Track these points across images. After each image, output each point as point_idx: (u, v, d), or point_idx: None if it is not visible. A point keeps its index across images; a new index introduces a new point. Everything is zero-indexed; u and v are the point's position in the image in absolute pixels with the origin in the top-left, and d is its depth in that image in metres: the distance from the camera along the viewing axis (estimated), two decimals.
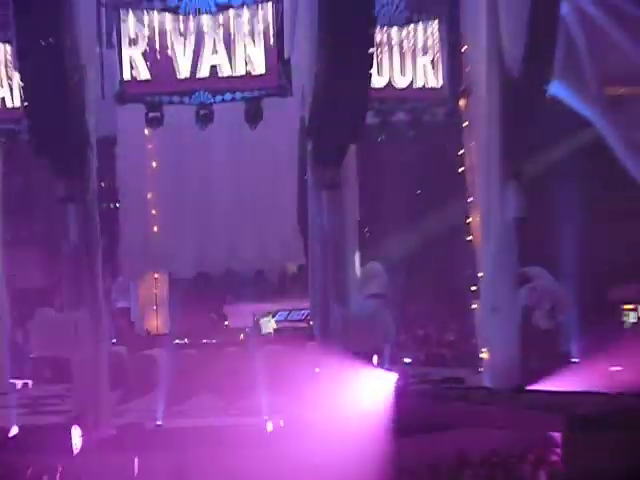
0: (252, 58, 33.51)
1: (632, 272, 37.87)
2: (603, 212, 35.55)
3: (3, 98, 34.12)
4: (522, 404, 30.78)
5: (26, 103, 31.81)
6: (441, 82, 34.93)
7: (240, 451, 28.14)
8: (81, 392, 31.82)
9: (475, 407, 31.52)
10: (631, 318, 39.75)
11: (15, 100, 33.44)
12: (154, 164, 36.38)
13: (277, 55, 33.25)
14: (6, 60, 33.96)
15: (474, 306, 35.20)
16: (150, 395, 31.95)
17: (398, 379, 33.69)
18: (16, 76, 32.71)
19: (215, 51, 33.63)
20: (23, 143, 33.80)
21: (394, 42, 34.52)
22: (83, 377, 31.82)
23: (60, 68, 30.86)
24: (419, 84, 34.52)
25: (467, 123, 35.12)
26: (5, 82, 34.14)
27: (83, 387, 31.80)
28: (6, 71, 33.96)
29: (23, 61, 31.45)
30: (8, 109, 33.82)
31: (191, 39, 33.53)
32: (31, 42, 31.04)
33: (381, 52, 33.98)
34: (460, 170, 35.20)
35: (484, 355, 34.30)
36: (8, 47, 33.47)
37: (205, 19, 33.38)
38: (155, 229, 35.68)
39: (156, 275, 37.89)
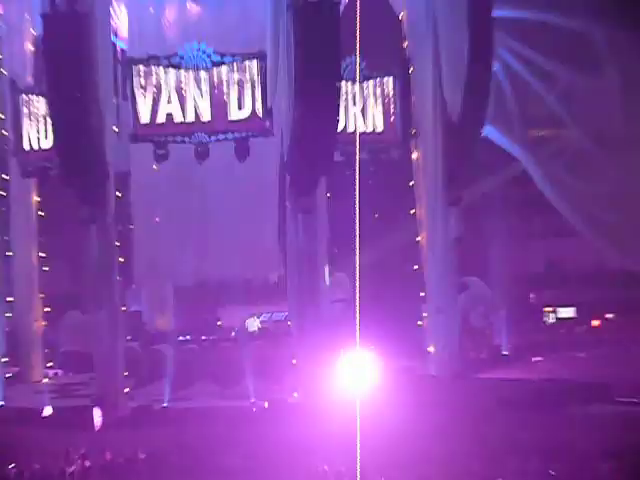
0: (240, 105, 33.98)
1: (549, 281, 38.68)
2: (526, 233, 36.24)
3: (38, 139, 34.26)
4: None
5: (57, 144, 32.59)
6: (397, 130, 35.35)
7: (232, 427, 28.43)
8: (101, 380, 32.33)
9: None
10: (550, 318, 40.26)
11: (48, 142, 33.65)
12: (161, 193, 36.28)
13: (261, 103, 33.73)
14: (40, 109, 34.11)
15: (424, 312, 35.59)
16: (158, 382, 32.21)
17: None
18: (48, 122, 33.28)
19: (209, 99, 33.99)
20: (54, 176, 34.11)
21: (357, 94, 34.50)
22: (103, 367, 32.34)
23: (84, 116, 31.48)
24: (378, 129, 34.98)
25: (416, 160, 35.43)
26: (41, 127, 34.23)
27: (103, 376, 32.33)
28: (44, 119, 34.00)
29: (54, 110, 32.32)
30: (42, 150, 34.01)
31: (190, 90, 33.91)
32: (60, 95, 31.82)
33: (346, 102, 33.96)
34: (411, 198, 35.48)
35: (431, 349, 34.71)
36: (42, 99, 33.73)
37: (202, 74, 33.79)
38: (161, 247, 35.84)
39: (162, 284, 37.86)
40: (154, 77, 34.06)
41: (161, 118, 34.06)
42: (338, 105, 32.68)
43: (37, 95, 34.44)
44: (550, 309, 40.66)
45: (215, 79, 34.09)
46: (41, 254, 36.24)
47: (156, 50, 34.51)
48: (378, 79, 35.23)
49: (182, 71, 33.95)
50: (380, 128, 35.11)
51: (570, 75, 35.26)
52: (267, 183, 35.71)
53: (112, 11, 34.06)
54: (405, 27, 35.93)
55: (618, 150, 33.92)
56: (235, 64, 33.99)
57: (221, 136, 34.16)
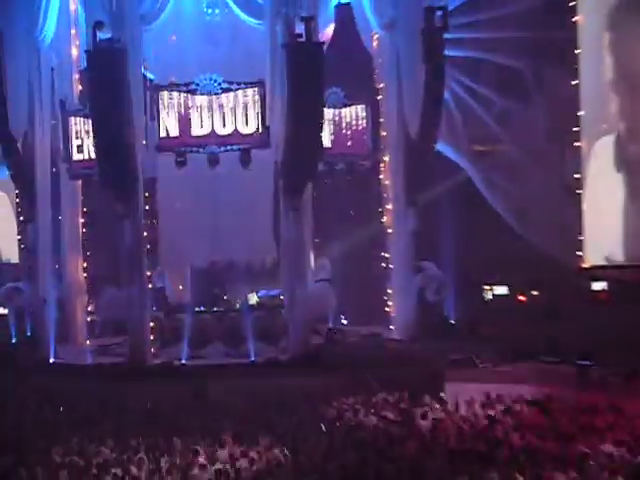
0: (245, 123, 34.21)
1: (487, 265, 38.70)
2: (470, 227, 36.14)
3: (83, 151, 34.69)
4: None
5: (97, 155, 32.83)
6: (368, 147, 35.71)
7: (236, 379, 29.03)
8: (133, 342, 32.46)
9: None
10: (488, 295, 40.33)
11: (91, 154, 34.15)
12: (180, 193, 36.33)
13: (261, 121, 34.01)
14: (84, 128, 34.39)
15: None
16: (178, 344, 32.41)
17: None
18: (91, 138, 33.64)
19: (220, 118, 34.20)
20: (95, 180, 34.24)
21: (337, 118, 35.19)
22: (134, 332, 32.55)
23: (119, 133, 31.57)
24: (356, 148, 35.47)
25: (383, 169, 35.91)
26: (85, 141, 34.58)
27: (134, 339, 32.50)
28: (87, 135, 34.37)
29: (96, 129, 32.49)
30: (87, 160, 34.36)
31: (204, 110, 34.13)
32: (101, 116, 32.02)
33: (329, 124, 34.58)
34: (380, 202, 36.08)
35: (394, 319, 35.43)
36: (85, 119, 34.02)
37: (214, 98, 34.07)
38: (181, 236, 35.72)
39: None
40: (175, 101, 34.26)
41: (181, 132, 34.30)
42: (322, 126, 32.85)
43: (82, 117, 34.38)
44: (488, 287, 40.72)
45: (224, 102, 34.19)
46: (84, 242, 36.34)
47: (177, 79, 34.60)
48: (354, 106, 35.35)
49: (197, 96, 34.14)
50: (355, 146, 35.45)
51: (505, 101, 35.23)
52: (264, 185, 35.41)
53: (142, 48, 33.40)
54: (375, 64, 35.97)
55: (540, 160, 34.07)
56: (240, 91, 34.19)
57: (228, 147, 34.21)
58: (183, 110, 34.47)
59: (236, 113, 34.34)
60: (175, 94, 34.39)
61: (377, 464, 18.20)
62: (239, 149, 34.32)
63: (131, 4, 32.50)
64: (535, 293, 40.14)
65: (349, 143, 35.61)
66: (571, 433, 20.15)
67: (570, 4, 33.02)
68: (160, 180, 35.78)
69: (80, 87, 35.75)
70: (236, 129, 34.35)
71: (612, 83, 32.69)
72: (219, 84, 34.17)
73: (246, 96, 34.36)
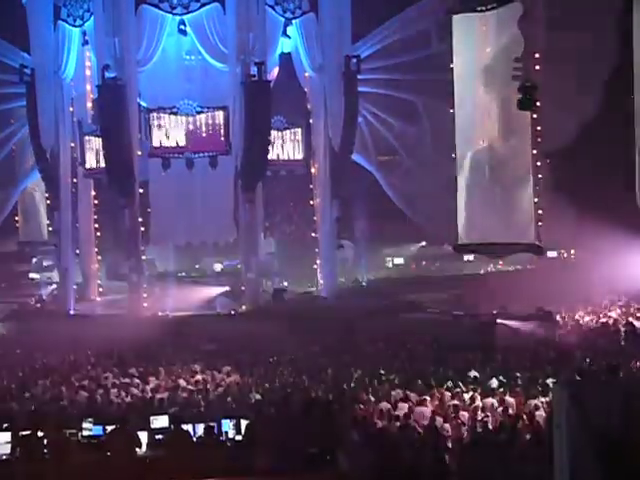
0: (215, 137, 34.16)
1: (389, 241, 39.75)
2: (376, 215, 36.91)
3: (95, 160, 34.72)
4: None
5: (106, 163, 33.43)
6: (302, 155, 35.52)
7: (206, 325, 29.88)
8: (131, 298, 33.27)
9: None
10: (390, 264, 41.38)
11: (100, 161, 34.30)
12: (166, 189, 35.84)
13: (225, 136, 34.00)
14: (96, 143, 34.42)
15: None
16: (164, 300, 32.83)
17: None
18: (101, 151, 33.88)
19: (195, 133, 34.05)
20: (104, 180, 34.77)
21: (279, 137, 34.89)
22: (132, 290, 33.31)
23: (121, 146, 32.37)
24: (293, 157, 35.31)
25: (314, 173, 35.95)
26: (95, 153, 34.58)
27: (132, 296, 33.29)
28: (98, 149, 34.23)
29: (104, 143, 33.25)
30: (97, 167, 34.39)
31: (183, 127, 34.00)
32: (108, 133, 32.87)
33: (274, 141, 34.43)
34: (312, 197, 36.31)
35: (321, 281, 35.71)
36: (96, 137, 34.25)
37: (190, 118, 33.89)
38: (166, 221, 35.94)
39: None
40: (162, 120, 34.16)
41: (165, 143, 34.17)
42: (269, 142, 33.67)
43: (94, 135, 34.57)
44: (389, 258, 41.10)
45: (198, 121, 34.17)
46: (95, 226, 36.36)
47: (163, 103, 34.36)
48: (292, 128, 35.28)
49: (179, 116, 34.06)
50: (292, 156, 35.36)
51: (402, 125, 35.66)
52: (227, 183, 35.10)
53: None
54: (308, 97, 36.00)
55: (428, 166, 34.51)
56: (210, 113, 34.17)
57: (201, 154, 34.32)
58: (168, 126, 34.20)
59: (208, 129, 34.17)
60: (162, 115, 34.08)
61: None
62: (209, 155, 34.21)
63: (130, 52, 32.50)
64: (424, 263, 41.14)
65: (288, 155, 35.30)
66: None
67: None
68: (151, 180, 35.33)
69: (92, 112, 35.77)
70: (207, 141, 34.16)
71: (482, 110, 32.68)
72: (194, 108, 33.95)
73: (215, 117, 34.15)
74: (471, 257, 37.33)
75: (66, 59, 34.47)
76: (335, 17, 34.20)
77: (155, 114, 34.23)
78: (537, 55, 30.00)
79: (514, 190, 32.41)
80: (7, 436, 14.24)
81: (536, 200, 31.74)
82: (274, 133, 34.39)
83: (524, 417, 14.62)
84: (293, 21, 34.27)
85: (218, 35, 33.07)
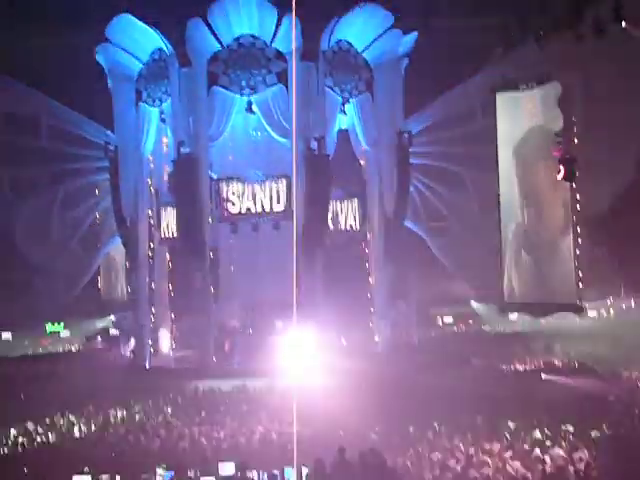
0: (278, 203, 34.08)
1: (439, 302, 39.37)
2: (427, 276, 36.28)
3: (169, 228, 35.06)
4: None
5: (179, 230, 33.91)
6: (358, 224, 35.47)
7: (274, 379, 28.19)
8: (200, 353, 32.99)
9: None
10: (439, 322, 40.80)
11: (173, 229, 34.69)
12: (233, 252, 35.96)
13: (287, 202, 33.84)
14: (171, 213, 34.67)
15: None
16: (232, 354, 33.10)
17: None
18: (174, 219, 34.42)
19: (261, 199, 34.11)
20: (177, 247, 35.02)
21: (338, 207, 35.09)
22: (201, 347, 33.06)
23: (194, 214, 32.85)
24: (350, 225, 35.38)
25: (370, 238, 35.93)
26: (170, 222, 34.60)
27: (201, 351, 32.98)
28: (172, 218, 34.54)
29: (178, 211, 33.84)
30: (174, 236, 34.61)
31: (250, 194, 34.06)
32: (181, 203, 33.46)
33: (333, 211, 34.58)
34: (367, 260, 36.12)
35: (376, 338, 35.41)
36: (171, 208, 34.68)
37: (256, 186, 34.01)
38: (234, 282, 35.45)
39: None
40: (230, 188, 34.28)
41: (233, 210, 34.27)
42: (328, 212, 33.87)
43: (169, 206, 35.01)
44: (439, 317, 40.79)
45: (263, 189, 34.21)
46: (169, 287, 36.37)
47: (231, 173, 34.71)
48: (350, 200, 35.39)
49: (246, 184, 34.26)
50: (350, 225, 35.44)
51: (450, 193, 35.79)
52: (290, 245, 32.01)
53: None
54: (364, 169, 36.05)
55: (474, 232, 34.37)
56: (274, 181, 34.15)
57: (265, 219, 34.28)
58: (235, 194, 34.37)
59: (271, 196, 34.24)
60: (230, 183, 34.28)
61: None
62: (272, 220, 34.20)
63: (202, 129, 33.08)
64: (470, 322, 40.47)
65: (345, 224, 35.41)
66: None
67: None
68: (220, 243, 34.86)
69: (168, 184, 36.00)
70: (271, 207, 34.26)
71: (524, 180, 32.60)
72: (260, 176, 34.22)
73: (278, 185, 34.19)
74: (515, 316, 36.73)
75: (145, 136, 35.03)
76: (388, 96, 34.61)
77: (224, 183, 34.33)
78: (575, 129, 29.97)
79: (554, 253, 32.16)
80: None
81: (576, 263, 31.41)
82: (333, 203, 34.57)
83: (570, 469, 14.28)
84: (350, 100, 34.55)
85: (282, 113, 33.42)
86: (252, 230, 34.39)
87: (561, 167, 27.82)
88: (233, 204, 34.44)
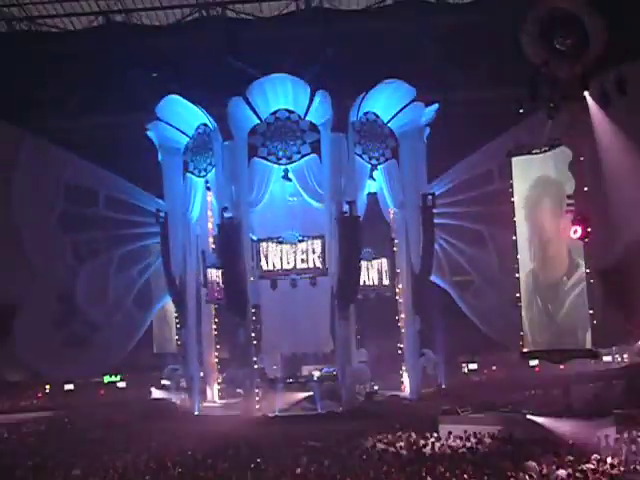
0: (313, 261, 35.08)
1: (464, 350, 40.22)
2: (452, 326, 36.62)
3: (215, 287, 35.40)
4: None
5: (225, 288, 34.51)
6: (388, 281, 36.42)
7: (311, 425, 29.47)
8: (245, 401, 33.84)
9: None
10: (465, 369, 41.51)
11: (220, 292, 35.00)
12: (274, 305, 35.71)
13: (322, 261, 34.92)
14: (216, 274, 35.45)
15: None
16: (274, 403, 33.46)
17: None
18: (220, 278, 34.92)
19: (298, 257, 35.11)
20: (222, 304, 35.73)
21: (369, 266, 35.79)
22: (246, 395, 33.89)
23: (237, 273, 33.95)
24: (380, 283, 36.24)
25: (399, 292, 36.74)
26: (216, 281, 35.42)
27: (246, 399, 33.83)
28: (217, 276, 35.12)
29: (224, 271, 34.77)
30: (219, 296, 35.11)
31: (288, 253, 35.05)
32: (226, 263, 34.52)
33: (364, 270, 35.32)
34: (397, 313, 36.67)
35: (406, 386, 36.16)
36: (216, 270, 35.46)
37: (293, 246, 35.02)
38: (274, 334, 35.87)
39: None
40: (270, 247, 35.23)
41: (273, 268, 35.18)
42: (360, 270, 34.79)
43: (214, 268, 35.84)
44: (465, 364, 41.11)
45: (300, 248, 35.17)
46: (216, 340, 37.36)
47: (271, 233, 35.50)
48: (380, 259, 36.20)
49: (284, 244, 35.19)
50: (380, 282, 36.25)
51: (471, 249, 36.83)
52: (325, 300, 35.26)
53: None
54: (392, 229, 37.07)
55: (494, 284, 35.31)
56: (310, 241, 35.12)
57: (303, 275, 35.13)
58: (275, 253, 35.14)
59: (307, 254, 35.02)
60: (269, 244, 35.05)
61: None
62: (309, 276, 34.88)
63: (243, 196, 34.37)
64: (494, 368, 41.12)
65: (375, 281, 36.20)
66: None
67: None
68: (261, 298, 35.60)
69: (213, 245, 36.79)
70: (308, 264, 35.00)
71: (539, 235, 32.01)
72: (296, 237, 34.99)
73: (313, 245, 35.01)
74: (535, 362, 37.21)
75: (192, 203, 36.30)
76: (413, 162, 35.81)
77: (264, 243, 35.09)
78: (586, 189, 30.63)
79: (571, 302, 32.43)
80: None
81: (591, 312, 31.99)
82: (364, 263, 35.21)
83: None
84: (378, 167, 35.78)
85: (316, 180, 34.66)
86: (290, 286, 35.00)
87: (578, 228, 28.67)
88: (273, 263, 35.37)
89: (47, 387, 42.51)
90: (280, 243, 35.22)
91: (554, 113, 28.04)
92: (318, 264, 34.97)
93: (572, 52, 26.25)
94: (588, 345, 31.80)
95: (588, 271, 32.49)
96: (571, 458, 20.14)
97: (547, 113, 27.88)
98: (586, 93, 27.89)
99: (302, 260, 35.17)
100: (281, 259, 35.18)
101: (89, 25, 42.78)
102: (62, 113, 41.69)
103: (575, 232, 29.21)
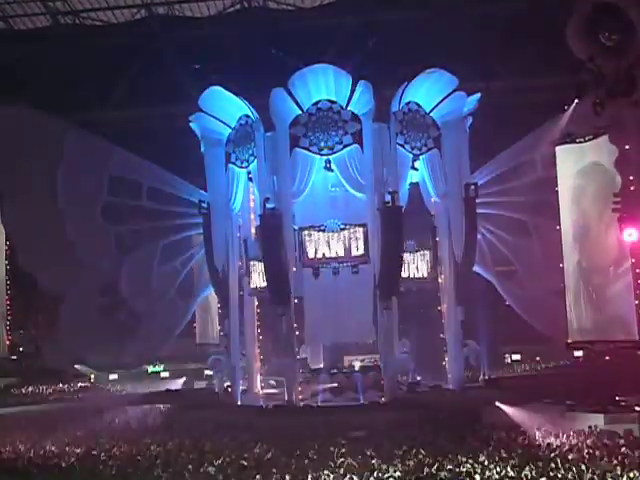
0: (356, 249, 34.90)
1: (507, 341, 40.14)
2: (496, 317, 37.21)
3: (257, 279, 35.76)
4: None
5: (267, 281, 34.75)
6: (430, 273, 35.96)
7: (351, 416, 29.57)
8: (288, 392, 33.76)
9: None
10: (508, 360, 41.45)
11: (262, 279, 35.22)
12: (316, 295, 35.49)
13: (365, 248, 34.71)
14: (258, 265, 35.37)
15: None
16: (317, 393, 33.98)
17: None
18: (262, 271, 35.06)
19: (342, 246, 34.87)
20: (264, 295, 35.70)
21: (411, 259, 35.60)
22: (289, 386, 33.87)
23: (280, 264, 33.99)
24: (422, 275, 35.94)
25: (441, 283, 36.27)
26: (258, 273, 35.49)
27: (289, 390, 33.81)
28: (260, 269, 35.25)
29: (266, 262, 34.64)
30: (262, 287, 35.37)
31: (331, 241, 34.91)
32: (269, 254, 34.29)
33: (407, 262, 35.05)
34: (439, 304, 36.23)
35: (449, 376, 35.81)
36: (257, 262, 35.46)
37: (336, 234, 34.88)
38: (317, 324, 35.72)
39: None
40: (313, 236, 35.20)
41: (314, 255, 35.13)
42: (402, 262, 34.55)
43: (256, 260, 35.85)
44: (508, 355, 41.23)
45: (342, 236, 35.04)
46: (258, 331, 37.15)
47: (313, 222, 35.40)
48: (422, 251, 35.94)
49: (326, 232, 35.09)
50: (422, 273, 35.94)
51: (515, 239, 36.55)
52: (368, 289, 34.93)
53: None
54: (434, 217, 36.55)
55: (538, 275, 35.00)
56: (352, 229, 34.98)
57: (345, 263, 34.97)
58: (317, 242, 35.04)
59: (350, 242, 34.78)
60: (312, 232, 34.92)
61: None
62: (351, 264, 34.62)
63: (286, 187, 34.18)
64: (537, 358, 40.82)
65: (418, 273, 35.89)
66: None
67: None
68: (304, 287, 35.49)
69: (255, 236, 36.87)
70: (350, 252, 34.78)
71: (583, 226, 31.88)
72: (339, 225, 34.83)
73: (356, 233, 34.83)
74: (580, 353, 36.80)
75: (234, 194, 36.23)
76: (455, 152, 35.37)
77: (306, 232, 34.96)
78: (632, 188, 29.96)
79: (618, 292, 32.15)
80: None
81: (637, 302, 31.56)
82: (406, 255, 35.10)
83: None
84: (420, 156, 35.33)
85: (358, 170, 34.35)
86: (333, 274, 34.86)
87: (633, 231, 28.12)
88: (315, 250, 35.35)
89: (92, 376, 43.21)
90: (322, 231, 35.04)
91: (600, 109, 27.67)
92: (361, 251, 34.79)
93: (618, 47, 25.86)
94: (635, 336, 31.51)
95: (634, 261, 32.08)
96: None
97: (593, 109, 27.46)
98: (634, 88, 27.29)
99: (345, 248, 34.95)
100: (324, 246, 35.07)
101: (132, 18, 43.37)
102: (106, 105, 42.38)
103: (630, 235, 28.73)
